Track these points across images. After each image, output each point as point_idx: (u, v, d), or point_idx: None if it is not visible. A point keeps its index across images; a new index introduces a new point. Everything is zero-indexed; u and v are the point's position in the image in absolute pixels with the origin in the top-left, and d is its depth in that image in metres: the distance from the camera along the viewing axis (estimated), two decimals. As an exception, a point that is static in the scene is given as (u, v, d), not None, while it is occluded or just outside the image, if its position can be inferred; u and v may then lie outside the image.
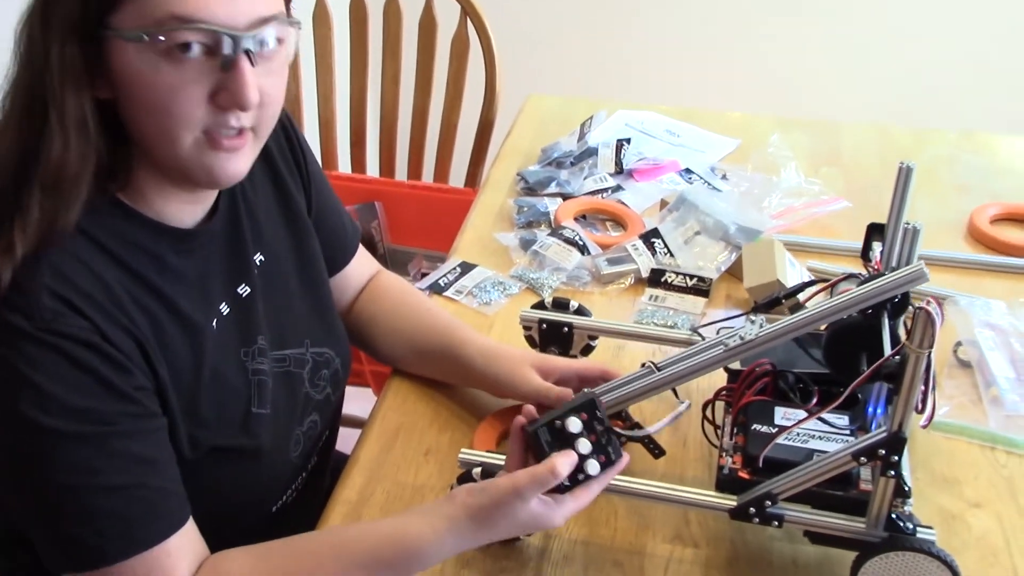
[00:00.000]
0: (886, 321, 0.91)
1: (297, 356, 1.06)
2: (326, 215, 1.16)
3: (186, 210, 0.94)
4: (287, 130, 1.11)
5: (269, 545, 0.92)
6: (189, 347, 0.93)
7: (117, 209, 0.89)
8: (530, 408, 0.91)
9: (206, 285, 0.96)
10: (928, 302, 0.80)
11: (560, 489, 0.88)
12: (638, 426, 1.07)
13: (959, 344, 1.25)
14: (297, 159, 1.11)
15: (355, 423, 2.02)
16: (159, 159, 0.89)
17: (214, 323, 0.96)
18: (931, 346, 0.80)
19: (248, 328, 1.00)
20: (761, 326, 0.97)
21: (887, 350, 0.87)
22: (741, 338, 0.96)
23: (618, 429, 0.93)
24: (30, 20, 0.83)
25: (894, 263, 0.99)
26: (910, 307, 0.92)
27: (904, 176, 1.00)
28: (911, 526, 0.90)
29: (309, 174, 1.13)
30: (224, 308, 0.98)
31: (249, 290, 1.01)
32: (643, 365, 1.06)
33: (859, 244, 1.46)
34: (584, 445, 0.88)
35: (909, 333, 0.81)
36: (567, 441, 0.88)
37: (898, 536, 0.90)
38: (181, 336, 0.92)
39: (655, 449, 1.07)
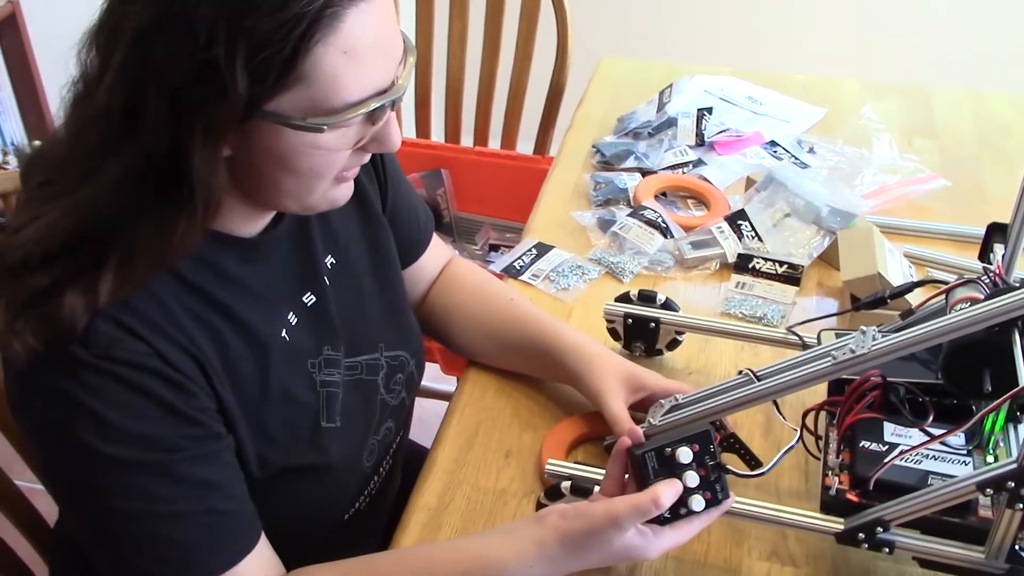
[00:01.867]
0: (1017, 339, 0.83)
1: (370, 362, 1.01)
2: (400, 210, 1.11)
3: (254, 222, 0.90)
4: None
5: (350, 563, 0.88)
6: (255, 362, 0.88)
7: None
8: (636, 430, 0.85)
9: (272, 295, 0.92)
10: (1075, 330, 0.72)
11: (659, 521, 0.83)
12: (734, 436, 1.02)
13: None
14: (374, 156, 1.06)
15: (424, 392, 1.99)
16: (271, 202, 0.86)
17: (283, 333, 0.92)
18: (1077, 378, 0.73)
19: (317, 338, 0.96)
20: (874, 338, 0.90)
21: (1022, 375, 0.80)
22: (852, 351, 0.90)
23: (728, 466, 0.87)
24: (149, 96, 0.73)
25: (1019, 271, 0.91)
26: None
27: (1034, 175, 0.92)
28: (1035, 558, 0.84)
29: (386, 170, 1.07)
30: (292, 318, 0.93)
31: (315, 299, 0.96)
32: (740, 372, 1.00)
33: (959, 228, 1.39)
34: (692, 478, 0.83)
35: (1052, 363, 0.74)
36: (674, 471, 0.83)
37: (1021, 569, 0.84)
38: (247, 351, 0.88)
39: (752, 462, 1.02)
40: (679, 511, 0.84)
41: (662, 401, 1.02)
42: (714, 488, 0.84)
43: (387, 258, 1.07)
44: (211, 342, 0.84)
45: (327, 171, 0.82)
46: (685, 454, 0.83)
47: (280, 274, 0.93)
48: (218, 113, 0.72)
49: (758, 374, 0.97)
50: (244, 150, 0.78)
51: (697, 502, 0.84)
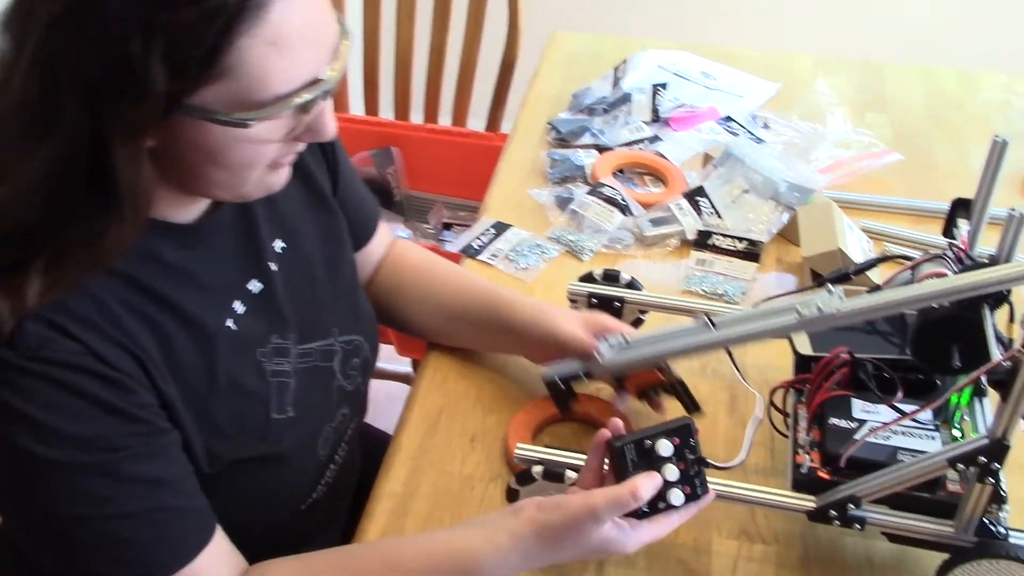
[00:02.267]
0: (987, 315, 0.84)
1: (325, 348, 0.98)
2: (349, 193, 1.08)
3: (190, 208, 0.86)
4: None
5: (317, 556, 0.86)
6: (200, 354, 0.85)
7: None
8: (617, 422, 0.84)
9: (216, 283, 0.88)
10: (1048, 305, 0.73)
11: (637, 515, 0.82)
12: (680, 383, 1.01)
13: (1028, 316, 1.18)
14: None
15: (378, 374, 1.97)
16: (202, 192, 0.82)
17: (228, 323, 0.88)
18: (1049, 354, 0.73)
19: (265, 327, 0.92)
20: (841, 299, 0.89)
21: (993, 351, 0.80)
22: (819, 308, 0.88)
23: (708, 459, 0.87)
24: (64, 90, 0.68)
25: (988, 247, 0.91)
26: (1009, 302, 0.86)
27: (998, 152, 0.92)
28: (1003, 530, 0.85)
29: (335, 153, 1.04)
30: (239, 306, 0.89)
31: (262, 286, 0.92)
32: (696, 317, 0.98)
33: (914, 202, 1.40)
34: (671, 472, 0.82)
35: (1025, 339, 0.74)
36: (654, 464, 0.82)
37: (990, 542, 0.84)
38: (191, 342, 0.84)
39: (691, 405, 1.01)
40: (657, 505, 0.82)
41: (608, 337, 1.01)
42: (693, 483, 0.83)
43: (339, 241, 1.04)
44: (151, 336, 0.81)
45: (258, 162, 0.78)
46: (665, 447, 0.82)
47: (223, 261, 0.89)
48: (137, 110, 0.69)
49: (715, 322, 0.95)
50: (168, 143, 0.74)
51: (676, 496, 0.82)
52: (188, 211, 0.85)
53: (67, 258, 0.73)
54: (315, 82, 0.74)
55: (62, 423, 0.75)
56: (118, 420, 0.77)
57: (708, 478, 0.87)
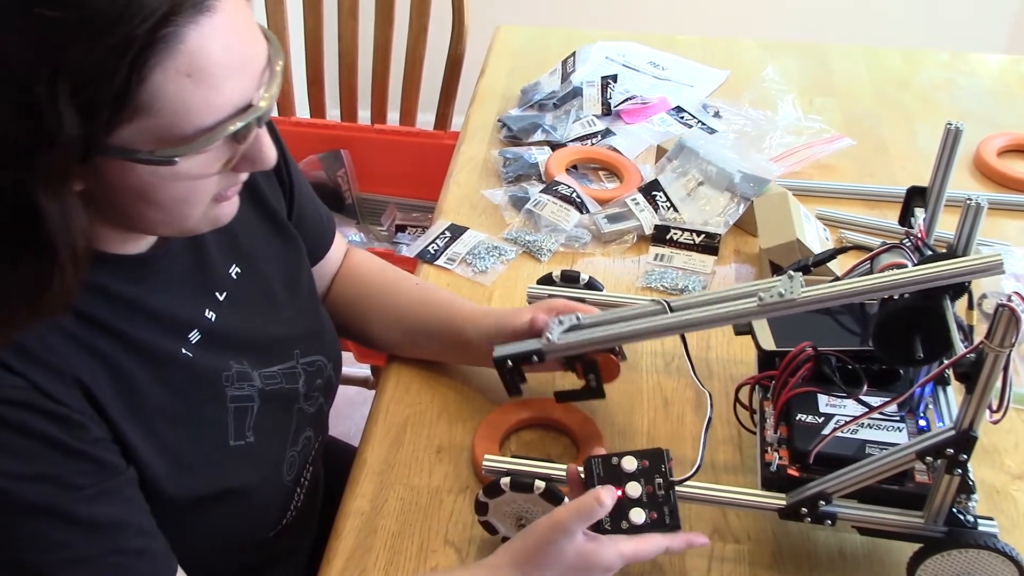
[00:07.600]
0: (948, 306, 0.84)
1: (287, 371, 0.96)
2: (306, 212, 1.05)
3: (137, 241, 0.83)
4: None
5: None
6: (155, 383, 0.82)
7: None
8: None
9: (170, 313, 0.85)
10: (1009, 298, 0.73)
11: (602, 532, 0.82)
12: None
13: (984, 297, 1.19)
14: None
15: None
16: (144, 231, 0.80)
17: (184, 351, 0.85)
18: (1013, 346, 0.74)
19: (223, 353, 0.89)
20: (802, 284, 0.88)
21: (957, 344, 0.80)
22: (780, 294, 0.87)
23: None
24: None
25: (949, 237, 0.91)
26: (969, 291, 0.86)
27: (952, 139, 0.92)
28: (971, 519, 0.85)
29: (290, 175, 1.01)
30: (195, 335, 0.86)
31: (216, 314, 0.89)
32: (654, 301, 0.97)
33: (868, 187, 1.41)
34: (634, 488, 0.83)
35: (988, 332, 0.74)
36: (618, 479, 0.82)
37: (959, 531, 0.85)
38: (144, 372, 0.81)
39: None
40: (621, 525, 0.83)
41: (561, 318, 0.98)
42: (661, 509, 0.83)
43: (297, 262, 1.01)
44: (101, 368, 0.78)
45: (195, 199, 0.75)
46: (630, 462, 0.82)
47: (175, 291, 0.86)
48: (52, 156, 0.65)
49: (672, 305, 0.94)
50: (98, 185, 0.70)
51: (637, 514, 0.83)
52: (136, 244, 0.82)
53: (12, 310, 0.70)
54: (244, 109, 0.71)
55: (9, 463, 0.72)
56: (68, 458, 0.74)
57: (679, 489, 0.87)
